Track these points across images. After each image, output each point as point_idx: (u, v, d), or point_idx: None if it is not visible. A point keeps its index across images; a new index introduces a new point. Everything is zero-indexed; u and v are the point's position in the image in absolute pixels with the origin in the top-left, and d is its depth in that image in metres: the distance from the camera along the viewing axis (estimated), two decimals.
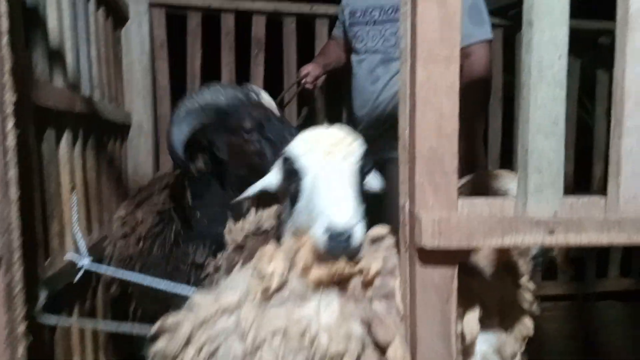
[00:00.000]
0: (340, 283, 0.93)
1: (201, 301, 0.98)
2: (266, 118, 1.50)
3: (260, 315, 0.91)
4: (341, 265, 0.91)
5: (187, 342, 0.94)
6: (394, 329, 0.89)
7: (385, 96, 2.29)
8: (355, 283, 0.94)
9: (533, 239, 0.84)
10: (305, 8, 2.68)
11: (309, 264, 0.92)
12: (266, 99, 1.59)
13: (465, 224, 0.82)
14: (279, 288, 0.93)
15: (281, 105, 2.80)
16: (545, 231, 0.83)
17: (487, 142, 3.02)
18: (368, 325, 0.89)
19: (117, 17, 2.34)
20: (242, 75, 2.73)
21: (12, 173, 0.99)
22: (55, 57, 1.51)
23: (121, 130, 2.36)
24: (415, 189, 0.83)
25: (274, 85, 2.77)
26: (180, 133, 1.47)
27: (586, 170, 3.21)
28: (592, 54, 3.18)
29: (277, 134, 1.47)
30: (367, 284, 0.93)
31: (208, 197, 1.70)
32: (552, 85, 0.85)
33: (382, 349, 0.88)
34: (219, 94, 1.50)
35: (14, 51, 1.01)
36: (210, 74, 2.72)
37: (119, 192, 2.26)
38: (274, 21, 2.76)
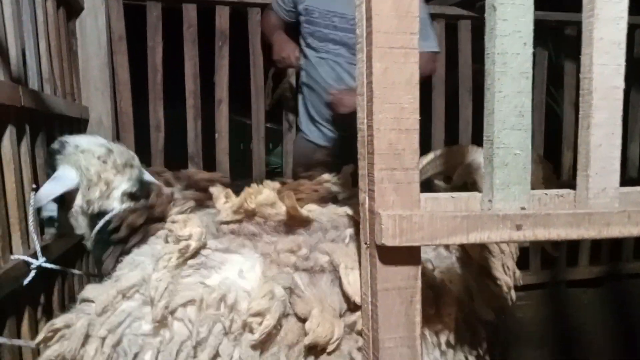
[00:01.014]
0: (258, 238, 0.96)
1: (95, 292, 0.91)
2: None
3: (172, 283, 0.87)
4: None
5: (85, 339, 0.85)
6: (312, 302, 0.88)
7: None
8: (280, 247, 0.93)
9: (499, 236, 0.79)
10: None
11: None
12: None
13: (428, 221, 0.77)
14: (195, 254, 0.90)
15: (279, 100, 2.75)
16: (512, 227, 0.79)
17: (457, 132, 3.02)
18: (290, 293, 0.89)
19: (70, 7, 2.22)
20: (206, 68, 2.64)
21: None
22: None
23: (77, 125, 2.24)
24: (374, 185, 0.78)
25: (239, 78, 2.69)
26: None
27: (556, 159, 3.23)
28: (558, 44, 3.19)
29: None
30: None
31: None
32: (517, 76, 0.81)
33: (302, 320, 0.88)
34: None
35: None
36: (173, 66, 2.61)
37: None
38: (239, 12, 2.67)
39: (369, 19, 0.76)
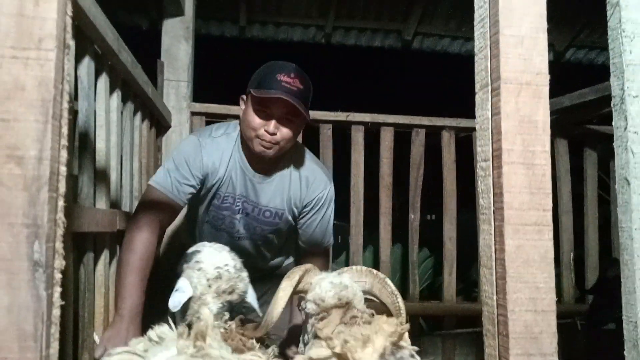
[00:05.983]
0: None
1: None
2: None
3: None
4: None
5: None
6: None
7: None
8: None
9: None
10: (341, 116, 2.73)
11: None
12: None
13: None
14: None
15: None
16: None
17: None
18: None
19: (160, 126, 2.38)
20: None
21: None
22: (101, 177, 1.49)
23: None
24: None
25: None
26: None
27: None
28: None
29: None
30: None
31: None
32: None
33: None
34: None
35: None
36: None
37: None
38: (311, 127, 2.78)
39: (498, 194, 0.75)
